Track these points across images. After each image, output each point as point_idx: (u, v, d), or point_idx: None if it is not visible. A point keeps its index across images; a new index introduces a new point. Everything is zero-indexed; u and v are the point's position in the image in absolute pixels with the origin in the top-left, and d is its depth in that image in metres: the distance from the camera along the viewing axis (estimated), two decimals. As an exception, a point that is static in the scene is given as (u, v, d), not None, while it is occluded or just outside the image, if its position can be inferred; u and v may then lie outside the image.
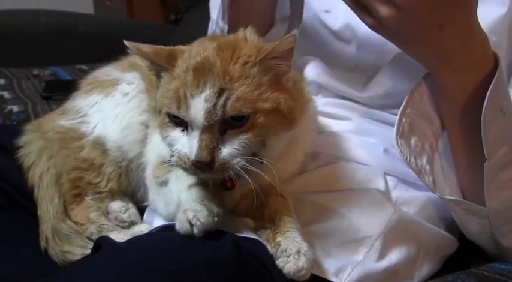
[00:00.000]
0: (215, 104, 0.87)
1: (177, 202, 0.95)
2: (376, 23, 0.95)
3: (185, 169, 0.91)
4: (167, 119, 0.93)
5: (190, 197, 0.95)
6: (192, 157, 0.88)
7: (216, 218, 0.91)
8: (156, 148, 1.08)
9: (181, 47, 0.97)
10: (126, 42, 0.94)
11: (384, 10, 0.91)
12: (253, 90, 0.88)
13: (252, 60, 0.90)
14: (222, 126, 0.88)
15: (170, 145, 0.94)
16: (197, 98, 0.87)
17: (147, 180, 1.12)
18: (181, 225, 0.90)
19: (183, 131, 0.92)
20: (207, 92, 0.87)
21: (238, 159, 0.88)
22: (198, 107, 0.87)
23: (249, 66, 0.89)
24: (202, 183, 0.97)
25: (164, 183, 1.04)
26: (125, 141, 1.15)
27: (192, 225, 0.89)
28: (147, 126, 1.15)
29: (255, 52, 0.90)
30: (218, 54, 0.90)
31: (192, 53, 0.93)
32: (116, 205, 1.18)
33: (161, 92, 0.94)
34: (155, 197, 1.09)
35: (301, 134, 1.04)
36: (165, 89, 0.93)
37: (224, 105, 0.87)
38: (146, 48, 0.95)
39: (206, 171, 0.89)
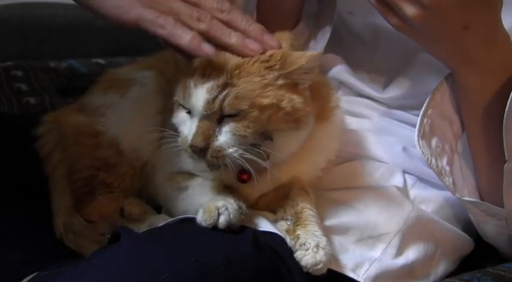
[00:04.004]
0: (215, 97, 0.88)
1: (199, 206, 0.95)
2: (401, 23, 0.95)
3: (184, 150, 0.93)
4: (178, 103, 0.96)
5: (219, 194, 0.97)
6: (189, 141, 0.90)
7: (243, 216, 0.92)
8: (170, 152, 1.08)
9: None
10: None
11: (410, 9, 0.91)
12: (257, 89, 0.89)
13: (275, 68, 0.90)
14: (220, 115, 0.90)
15: (177, 127, 0.97)
16: (200, 88, 0.89)
17: (158, 185, 1.13)
18: (207, 212, 0.90)
19: (188, 113, 0.94)
20: (211, 84, 0.89)
21: (235, 148, 0.90)
22: (199, 97, 0.89)
23: (266, 70, 0.90)
24: (227, 186, 1.00)
25: (184, 188, 1.05)
26: (139, 143, 1.15)
27: (219, 215, 0.90)
28: (161, 129, 1.15)
29: (280, 58, 0.90)
30: None
31: None
32: (135, 208, 1.18)
33: (178, 78, 0.96)
34: (170, 203, 1.10)
35: (325, 140, 1.04)
36: (180, 76, 0.95)
37: (223, 100, 0.88)
38: None
39: (201, 156, 0.91)
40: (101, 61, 2.11)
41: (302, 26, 1.34)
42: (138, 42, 2.12)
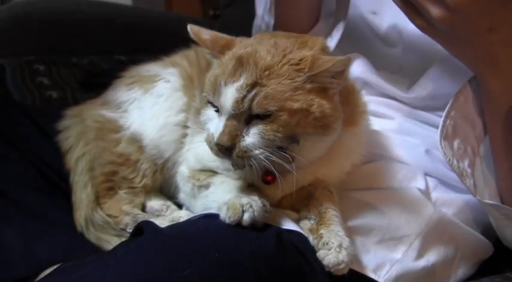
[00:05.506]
0: (244, 96, 0.88)
1: (220, 204, 0.95)
2: (426, 24, 0.96)
3: (210, 148, 0.93)
4: (207, 100, 0.96)
5: (243, 192, 0.97)
6: (215, 139, 0.91)
7: (267, 213, 0.93)
8: (194, 149, 1.09)
9: (240, 38, 0.99)
10: (189, 26, 0.97)
11: (435, 11, 0.92)
12: (287, 91, 0.89)
13: (304, 70, 0.90)
14: (249, 115, 0.90)
15: (204, 123, 0.97)
16: (229, 87, 0.90)
17: (179, 182, 1.14)
18: (231, 209, 0.90)
19: (217, 111, 0.94)
20: (240, 83, 0.89)
21: (261, 150, 0.90)
22: (228, 96, 0.89)
23: (296, 73, 0.90)
24: (250, 185, 1.00)
25: (205, 186, 1.05)
26: (162, 140, 1.16)
27: (243, 212, 0.90)
28: (184, 126, 1.16)
29: (309, 61, 0.90)
30: (269, 50, 0.92)
31: (245, 44, 0.95)
32: (157, 204, 1.19)
33: (208, 75, 0.96)
34: (190, 200, 1.10)
35: (351, 144, 1.04)
36: (211, 73, 0.95)
37: (252, 99, 0.88)
38: (206, 34, 0.97)
39: (226, 155, 0.91)
40: (122, 58, 2.12)
41: (320, 26, 1.33)
42: (159, 40, 2.13)
